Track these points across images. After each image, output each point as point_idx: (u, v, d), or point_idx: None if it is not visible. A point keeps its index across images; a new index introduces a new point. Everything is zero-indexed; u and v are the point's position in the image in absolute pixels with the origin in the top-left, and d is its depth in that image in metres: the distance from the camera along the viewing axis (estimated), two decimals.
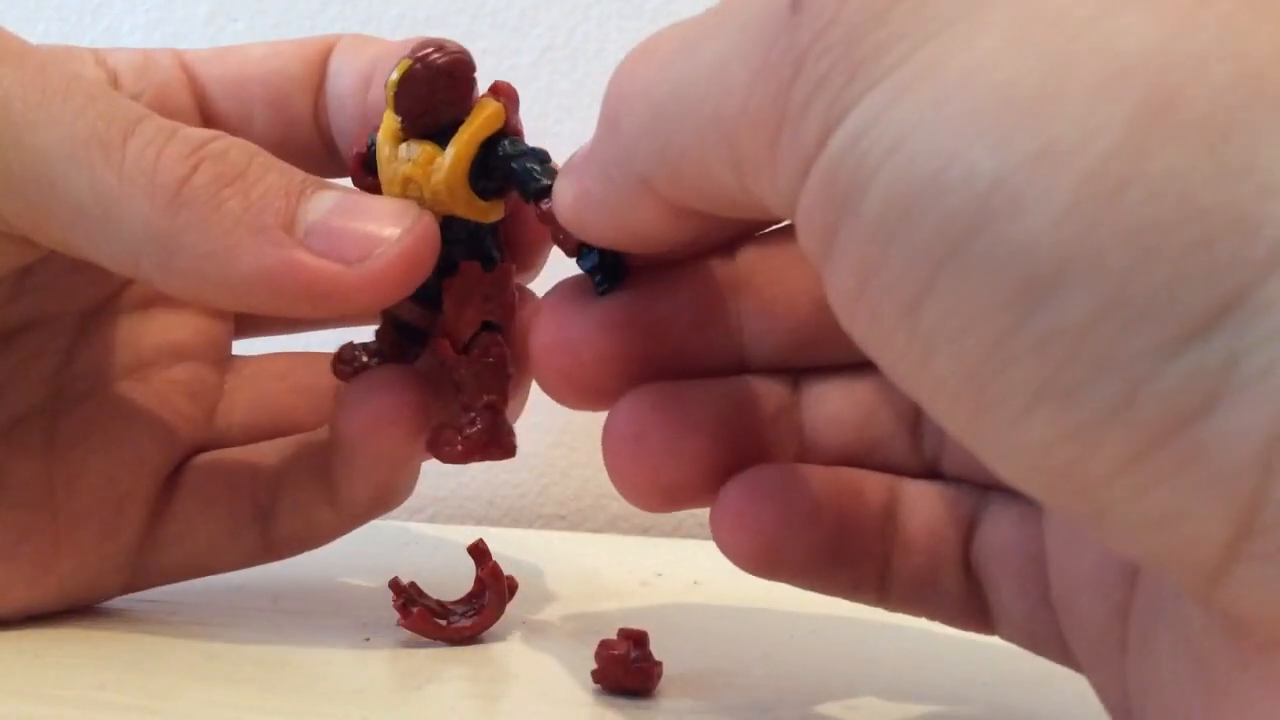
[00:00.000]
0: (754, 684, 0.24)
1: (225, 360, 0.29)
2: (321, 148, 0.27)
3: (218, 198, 0.21)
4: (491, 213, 0.23)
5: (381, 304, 0.23)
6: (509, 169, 0.23)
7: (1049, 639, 0.20)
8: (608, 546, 0.38)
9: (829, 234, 0.13)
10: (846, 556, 0.21)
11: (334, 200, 0.22)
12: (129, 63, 0.26)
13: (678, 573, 0.33)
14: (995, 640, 0.21)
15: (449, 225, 0.23)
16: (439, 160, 0.22)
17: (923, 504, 0.21)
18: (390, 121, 0.23)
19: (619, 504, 0.43)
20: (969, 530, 0.21)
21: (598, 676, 0.23)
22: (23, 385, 0.25)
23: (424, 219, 0.22)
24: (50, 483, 0.25)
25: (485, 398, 0.24)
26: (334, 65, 0.27)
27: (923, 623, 0.22)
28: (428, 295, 0.24)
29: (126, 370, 0.27)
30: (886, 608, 0.22)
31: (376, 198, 0.23)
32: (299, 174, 0.22)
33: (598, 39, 0.44)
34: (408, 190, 0.23)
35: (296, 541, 0.27)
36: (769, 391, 0.22)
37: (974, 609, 0.21)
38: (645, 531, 0.43)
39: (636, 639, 0.23)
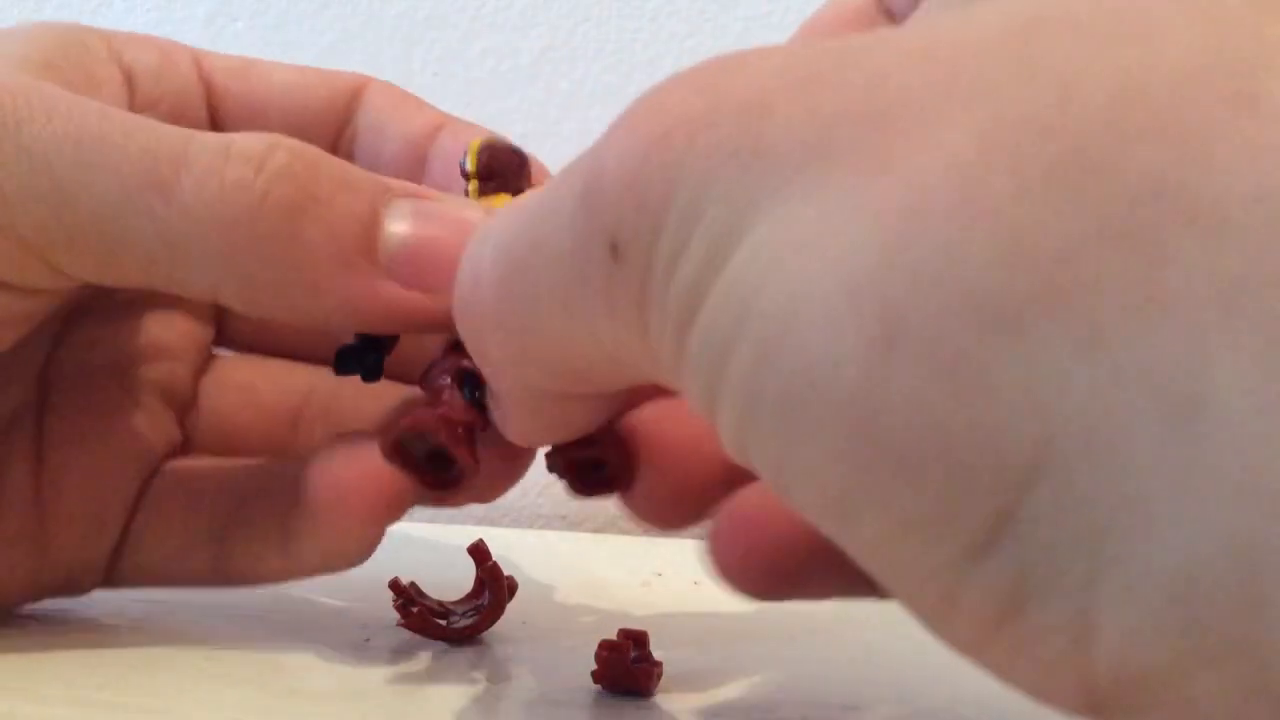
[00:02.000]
0: (754, 684, 0.24)
1: (202, 365, 0.28)
2: None
3: (294, 228, 0.20)
4: None
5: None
6: None
7: None
8: (608, 546, 0.38)
9: (711, 430, 0.14)
10: (841, 560, 0.20)
11: (410, 215, 0.21)
12: (145, 64, 0.25)
13: (678, 573, 0.33)
14: None
15: None
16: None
17: None
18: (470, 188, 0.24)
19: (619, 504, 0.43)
20: None
21: (598, 676, 0.23)
22: (15, 384, 0.25)
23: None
24: (38, 483, 0.25)
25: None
26: (368, 119, 0.26)
27: None
28: None
29: (108, 369, 0.26)
30: (883, 598, 0.21)
31: (450, 204, 0.22)
32: (365, 184, 0.21)
33: (597, 39, 0.44)
34: None
35: (242, 578, 0.25)
36: None
37: None
38: (645, 531, 0.42)
39: (636, 639, 0.23)
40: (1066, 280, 0.10)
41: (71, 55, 0.24)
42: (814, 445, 0.12)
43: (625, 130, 0.14)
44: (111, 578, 0.26)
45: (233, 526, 0.25)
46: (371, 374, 0.24)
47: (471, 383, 0.21)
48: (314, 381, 0.28)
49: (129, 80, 0.25)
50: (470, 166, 0.24)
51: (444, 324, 0.21)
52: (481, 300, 0.17)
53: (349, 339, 0.24)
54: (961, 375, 0.11)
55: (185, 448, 0.27)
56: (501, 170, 0.24)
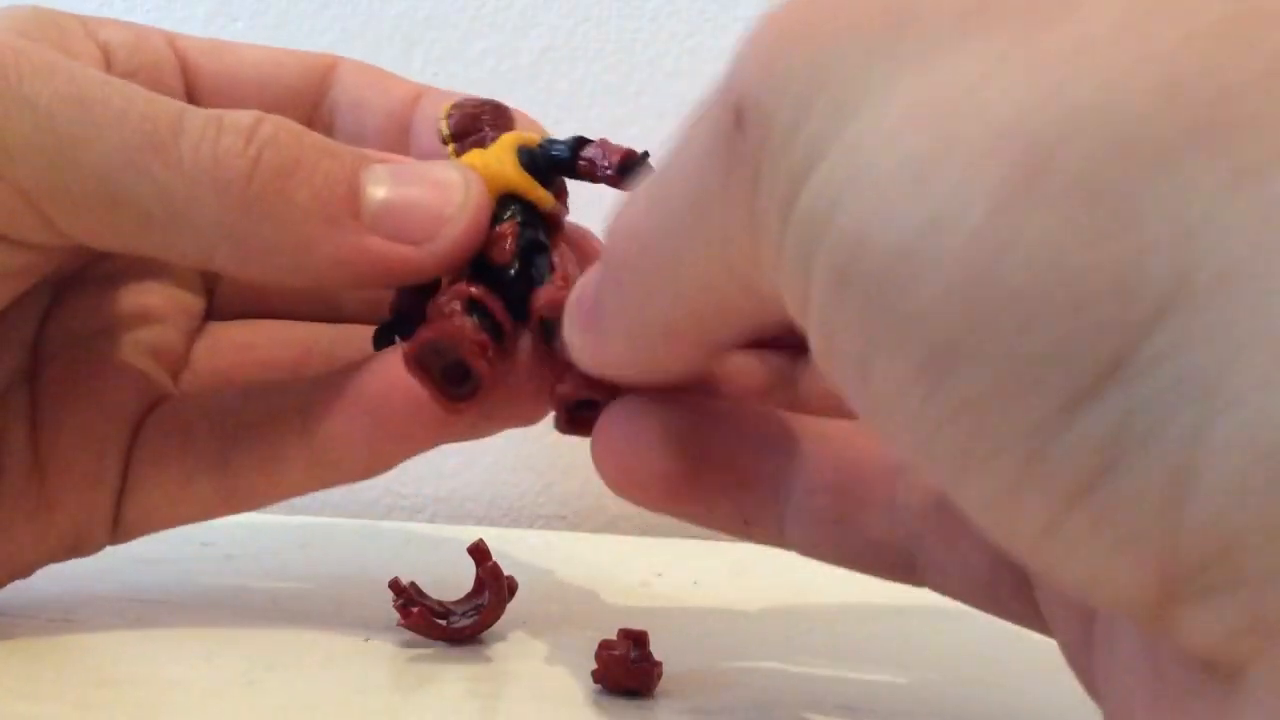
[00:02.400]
0: (754, 684, 0.24)
1: (194, 330, 0.29)
2: None
3: (285, 190, 0.21)
4: (547, 200, 0.24)
5: (446, 272, 0.23)
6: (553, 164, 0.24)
7: (1008, 596, 0.19)
8: (608, 546, 0.38)
9: (802, 322, 0.14)
10: (729, 487, 0.21)
11: (390, 176, 0.23)
12: (120, 40, 0.26)
13: (678, 573, 0.33)
14: (997, 639, 0.21)
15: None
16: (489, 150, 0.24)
17: (839, 443, 0.21)
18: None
19: (619, 504, 0.43)
20: (904, 470, 0.21)
21: (598, 676, 0.23)
22: (9, 352, 0.26)
23: (475, 184, 0.23)
24: (36, 444, 0.25)
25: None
26: (346, 96, 0.27)
27: (923, 622, 0.22)
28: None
29: (97, 333, 0.27)
30: (789, 547, 0.21)
31: (428, 164, 0.23)
32: (344, 151, 0.23)
33: (598, 39, 0.44)
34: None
35: (254, 500, 0.26)
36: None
37: (896, 555, 0.21)
38: (645, 531, 0.42)
39: (636, 639, 0.23)
40: (1227, 116, 0.10)
41: (50, 34, 0.24)
42: (921, 291, 0.12)
43: (767, 15, 0.14)
44: (120, 529, 0.26)
45: (237, 450, 0.25)
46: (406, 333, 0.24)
47: (480, 310, 0.22)
48: (314, 335, 0.29)
49: (106, 56, 0.26)
50: (444, 131, 0.25)
51: (431, 274, 0.22)
52: (628, 227, 0.17)
53: (381, 312, 0.25)
54: (1104, 210, 0.11)
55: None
56: (474, 126, 0.25)
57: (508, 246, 0.23)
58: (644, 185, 0.17)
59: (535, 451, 0.44)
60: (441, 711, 0.22)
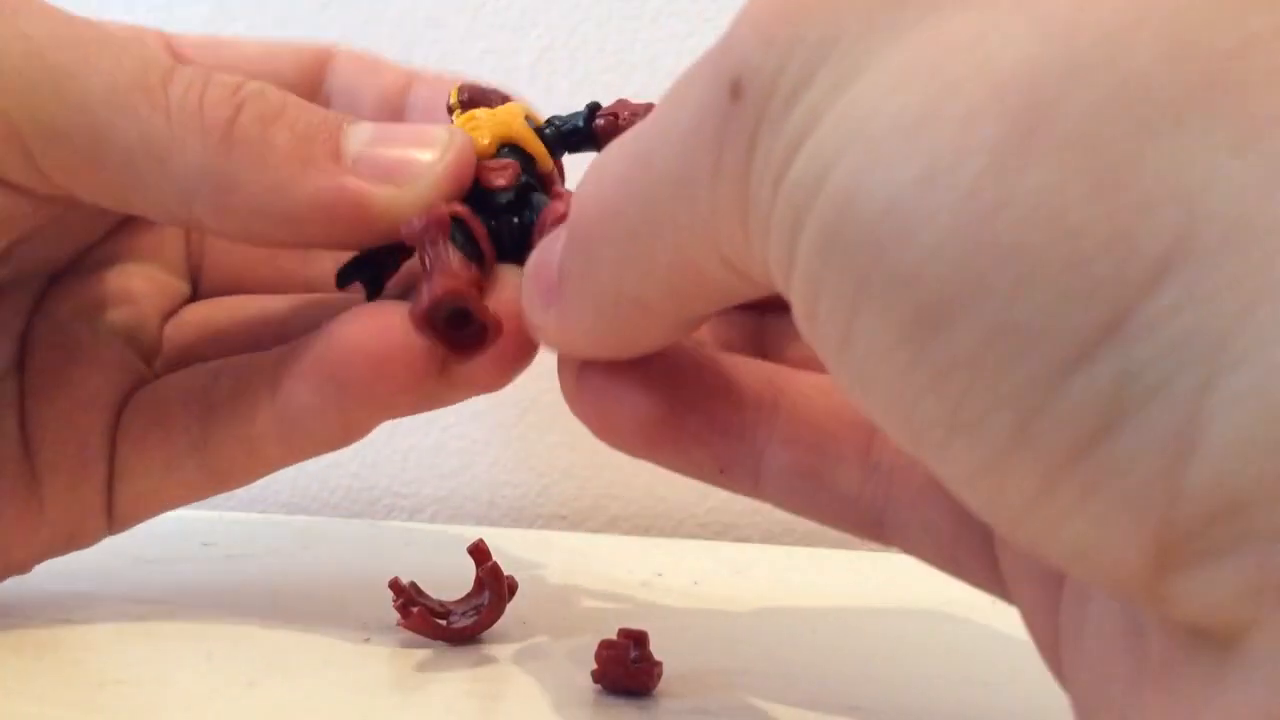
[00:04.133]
0: (754, 684, 0.24)
1: (170, 311, 0.29)
2: None
3: (267, 134, 0.22)
4: (546, 159, 0.24)
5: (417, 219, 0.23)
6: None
7: (972, 559, 0.19)
8: (608, 546, 0.38)
9: (786, 288, 0.14)
10: (705, 435, 0.21)
11: (372, 130, 0.23)
12: None
13: (678, 573, 0.33)
14: (997, 638, 0.21)
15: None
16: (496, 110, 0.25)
17: (816, 397, 0.21)
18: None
19: (619, 504, 0.43)
20: (878, 430, 0.20)
21: (598, 676, 0.23)
22: (3, 342, 0.26)
23: (459, 136, 0.23)
24: (25, 440, 0.25)
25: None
26: (339, 82, 0.27)
27: (925, 623, 0.22)
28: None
29: (77, 319, 0.27)
30: (762, 498, 0.21)
31: (410, 125, 0.23)
32: (330, 111, 0.23)
33: (598, 39, 0.44)
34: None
35: (240, 473, 0.25)
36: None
37: (865, 512, 0.20)
38: (645, 531, 0.42)
39: (636, 639, 0.23)
40: (1233, 74, 0.10)
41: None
42: (910, 248, 0.11)
43: None
44: (115, 518, 0.26)
45: (212, 429, 0.25)
46: (373, 287, 0.24)
47: (464, 231, 0.22)
48: (266, 305, 0.29)
49: None
50: (453, 100, 0.25)
51: (401, 219, 0.22)
52: (601, 196, 0.17)
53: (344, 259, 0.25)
54: (1105, 165, 0.10)
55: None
56: (484, 100, 0.25)
57: (507, 176, 0.23)
58: (618, 153, 0.17)
59: (535, 451, 0.44)
60: (441, 711, 0.22)
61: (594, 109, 0.24)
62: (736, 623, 0.29)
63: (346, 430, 0.24)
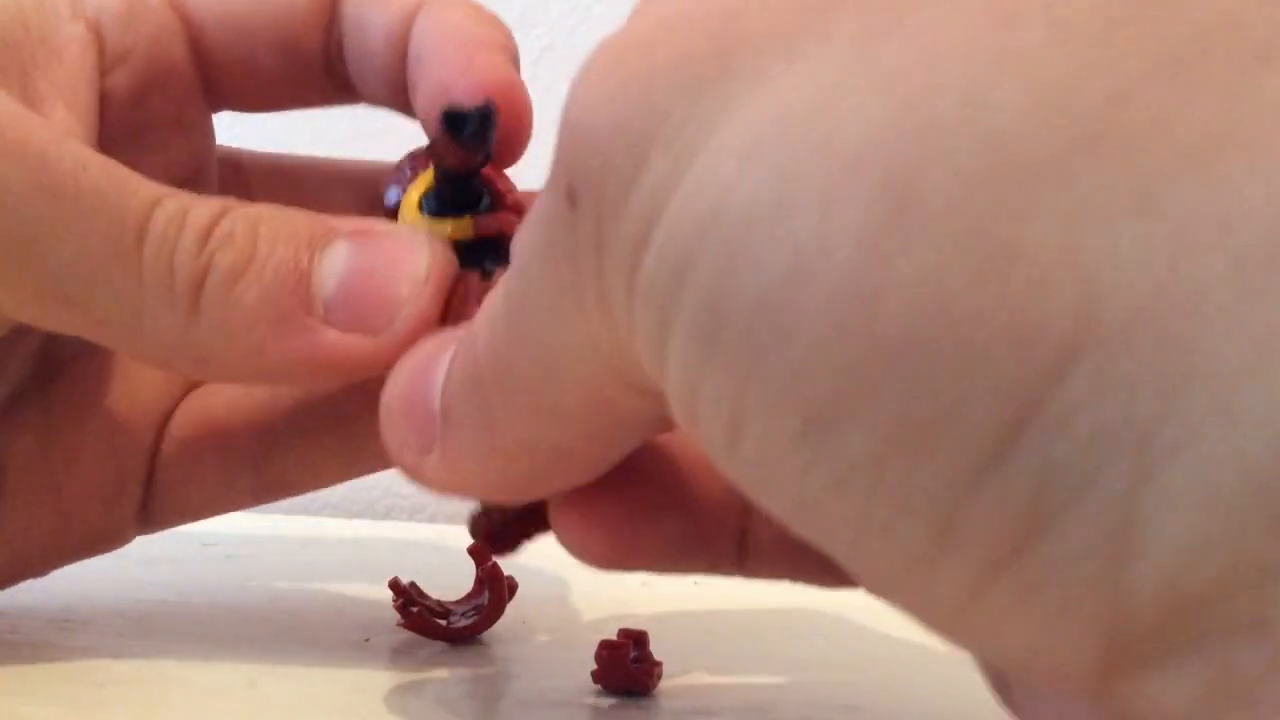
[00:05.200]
0: (754, 684, 0.24)
1: None
2: (332, 90, 0.26)
3: (233, 295, 0.20)
4: (460, 230, 0.22)
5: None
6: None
7: None
8: None
9: (659, 382, 0.13)
10: (702, 535, 0.20)
11: (345, 257, 0.21)
12: (113, 13, 0.25)
13: None
14: None
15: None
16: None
17: None
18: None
19: None
20: None
21: (598, 676, 0.23)
22: (16, 363, 0.25)
23: (438, 256, 0.21)
24: (50, 457, 0.25)
25: None
26: (353, 14, 0.26)
27: None
28: None
29: None
30: (744, 575, 0.20)
31: (387, 236, 0.22)
32: (303, 228, 0.21)
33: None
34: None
35: (288, 493, 0.26)
36: None
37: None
38: None
39: (636, 639, 0.23)
40: (1117, 124, 0.09)
41: (30, 23, 0.23)
42: (791, 350, 0.10)
43: (579, 80, 0.13)
44: (149, 524, 0.26)
45: (276, 448, 0.25)
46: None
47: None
48: None
49: (97, 34, 0.24)
50: (416, 197, 0.23)
51: (389, 364, 0.20)
52: (491, 349, 0.16)
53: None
54: (986, 242, 0.09)
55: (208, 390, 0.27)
56: (398, 177, 0.23)
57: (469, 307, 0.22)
58: (499, 297, 0.16)
59: None
60: (441, 711, 0.21)
61: (441, 118, 0.22)
62: (736, 623, 0.29)
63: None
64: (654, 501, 0.19)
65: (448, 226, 0.22)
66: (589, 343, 0.14)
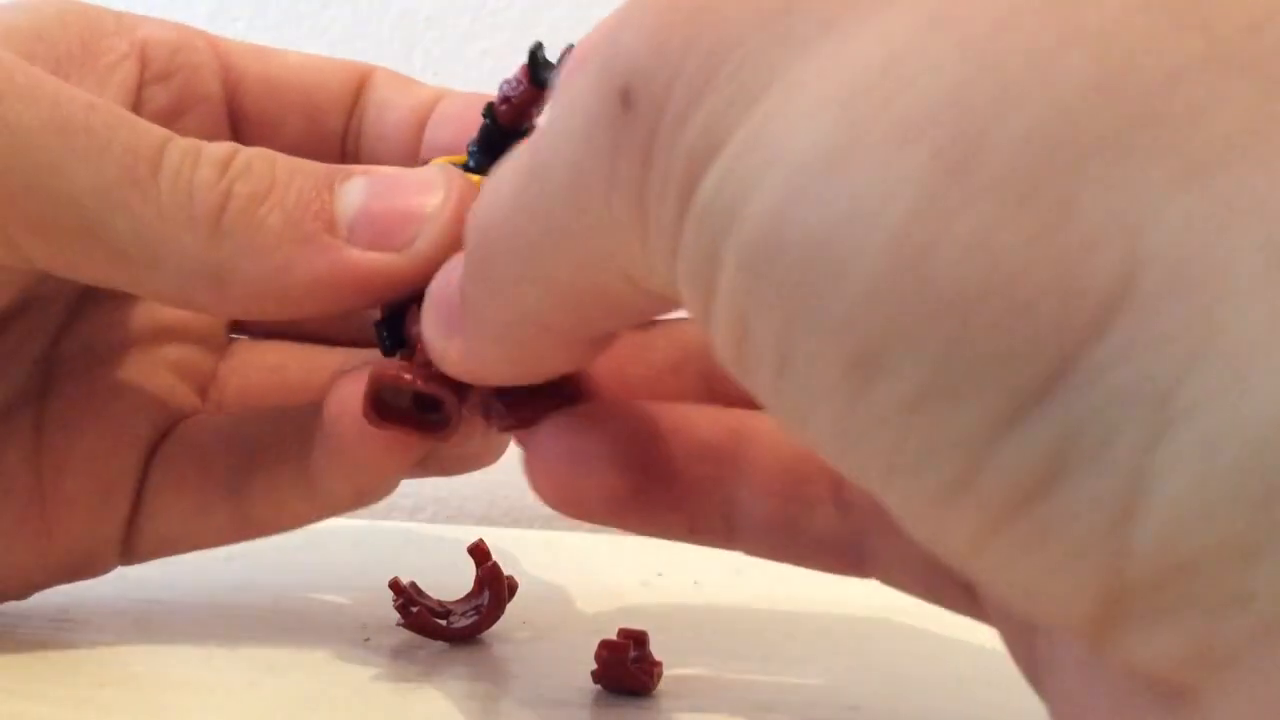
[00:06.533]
0: (754, 684, 0.24)
1: (220, 345, 0.28)
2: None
3: (258, 217, 0.21)
4: None
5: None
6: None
7: (949, 587, 0.19)
8: (608, 546, 0.38)
9: (704, 312, 0.13)
10: (674, 499, 0.20)
11: (365, 185, 0.22)
12: (160, 38, 0.25)
13: (678, 573, 0.33)
14: (997, 640, 0.21)
15: None
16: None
17: (781, 441, 0.20)
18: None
19: None
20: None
21: (598, 676, 0.23)
22: (14, 370, 0.25)
23: (456, 179, 0.22)
24: (38, 469, 0.25)
25: None
26: (378, 98, 0.27)
27: (925, 623, 0.22)
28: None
29: (114, 349, 0.26)
30: (736, 549, 0.21)
31: (404, 170, 0.22)
32: (320, 166, 0.22)
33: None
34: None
35: (264, 528, 0.25)
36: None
37: (845, 550, 0.20)
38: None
39: (636, 639, 0.23)
40: (1170, 105, 0.10)
41: (71, 26, 0.24)
42: (845, 287, 0.11)
43: None
44: (131, 552, 0.25)
45: (247, 477, 0.25)
46: (392, 341, 0.23)
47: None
48: (347, 360, 0.28)
49: (142, 55, 0.25)
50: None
51: (418, 280, 0.21)
52: (497, 213, 0.16)
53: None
54: (1041, 203, 0.10)
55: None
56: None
57: None
58: (512, 168, 0.16)
59: None
60: (441, 711, 0.22)
61: (492, 104, 0.23)
62: (736, 623, 0.29)
63: (356, 495, 0.24)
64: (599, 454, 0.20)
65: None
66: (600, 231, 0.14)
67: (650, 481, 0.20)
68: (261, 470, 0.25)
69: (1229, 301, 0.09)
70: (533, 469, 0.20)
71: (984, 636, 0.21)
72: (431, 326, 0.19)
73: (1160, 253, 0.09)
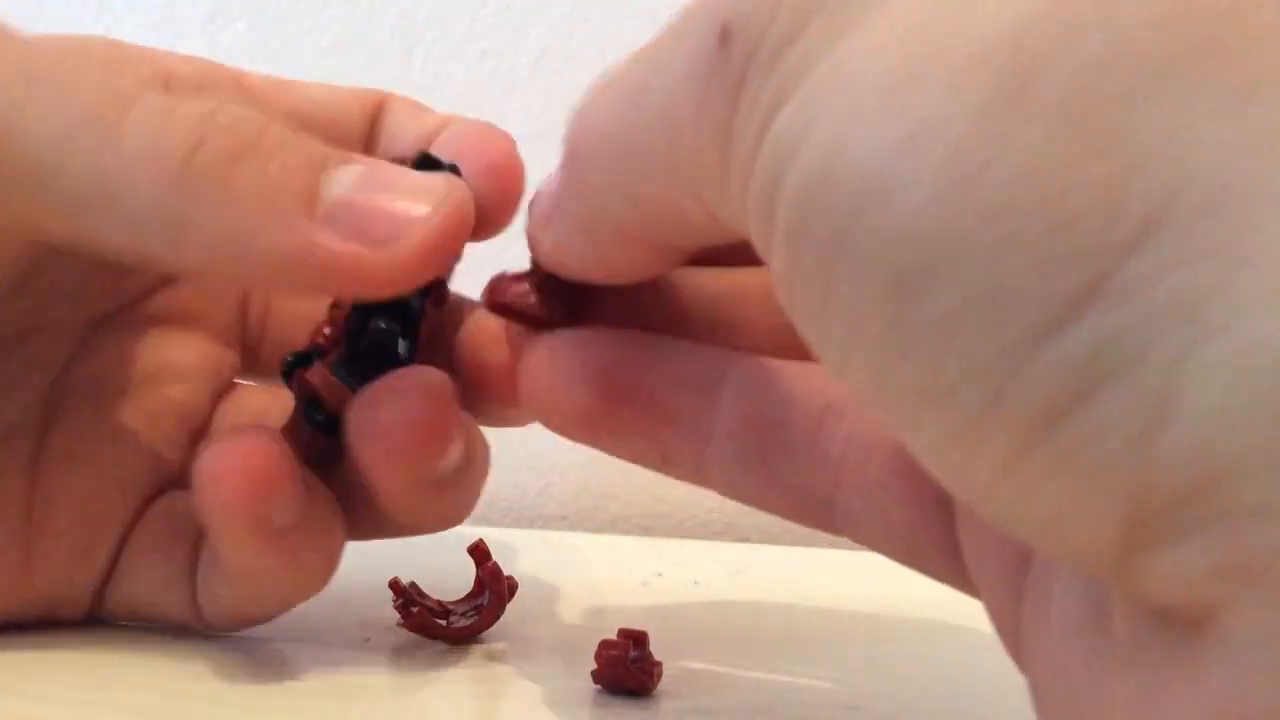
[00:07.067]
0: (754, 684, 0.24)
1: (225, 389, 0.27)
2: None
3: (228, 172, 0.20)
4: None
5: (409, 286, 0.21)
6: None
7: (929, 549, 0.19)
8: (608, 546, 0.38)
9: (765, 242, 0.14)
10: (648, 425, 0.21)
11: (360, 173, 0.21)
12: (186, 73, 0.25)
13: (678, 573, 0.33)
14: (997, 640, 0.21)
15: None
16: None
17: (764, 383, 0.21)
18: None
19: (619, 504, 0.43)
20: (827, 416, 0.20)
21: (598, 676, 0.23)
22: (18, 395, 0.24)
23: (459, 193, 0.21)
24: (30, 500, 0.24)
25: None
26: (390, 126, 0.27)
27: (925, 622, 0.22)
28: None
29: (122, 386, 0.26)
30: (705, 486, 0.21)
31: (406, 170, 0.21)
32: (321, 146, 0.21)
33: (598, 39, 0.44)
34: None
35: (210, 621, 0.24)
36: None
37: (815, 502, 0.20)
38: (645, 531, 0.42)
39: (636, 639, 0.23)
40: (1225, 36, 0.10)
41: (95, 53, 0.23)
42: (891, 211, 0.11)
43: None
44: (99, 608, 0.25)
45: (199, 562, 0.24)
46: (402, 341, 0.24)
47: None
48: None
49: (165, 84, 0.24)
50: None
51: (388, 284, 0.20)
52: (594, 125, 0.18)
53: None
54: (1094, 128, 0.10)
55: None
56: None
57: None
58: (616, 80, 0.17)
59: (535, 451, 0.44)
60: (441, 711, 0.22)
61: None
62: (736, 623, 0.29)
63: (256, 603, 0.24)
64: (580, 374, 0.21)
65: None
66: (685, 159, 0.15)
67: (625, 405, 0.21)
68: (207, 557, 0.24)
69: (1266, 222, 0.09)
70: (521, 378, 0.21)
71: (984, 636, 0.21)
72: (532, 218, 0.20)
73: (1201, 175, 0.10)
